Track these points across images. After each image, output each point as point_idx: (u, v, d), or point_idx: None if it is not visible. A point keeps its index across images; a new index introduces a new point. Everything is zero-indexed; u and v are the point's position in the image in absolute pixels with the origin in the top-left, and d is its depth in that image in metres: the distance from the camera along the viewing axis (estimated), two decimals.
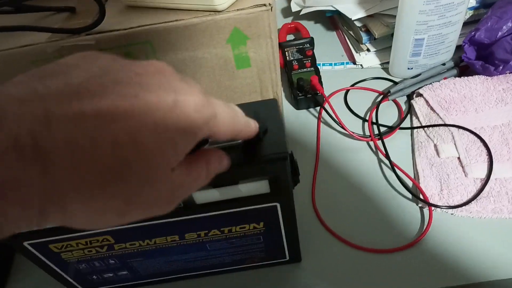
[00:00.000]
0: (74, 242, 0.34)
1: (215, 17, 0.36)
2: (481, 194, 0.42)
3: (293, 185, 0.33)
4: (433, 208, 0.43)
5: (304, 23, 0.69)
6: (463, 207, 0.42)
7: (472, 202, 0.42)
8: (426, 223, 0.43)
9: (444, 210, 0.43)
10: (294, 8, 0.67)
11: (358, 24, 0.60)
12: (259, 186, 0.31)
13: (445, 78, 0.54)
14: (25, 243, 0.34)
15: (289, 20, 0.72)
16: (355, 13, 0.59)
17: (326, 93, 0.56)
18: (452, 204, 0.42)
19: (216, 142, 0.29)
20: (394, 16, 0.53)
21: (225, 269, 0.41)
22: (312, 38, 0.61)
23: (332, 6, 0.61)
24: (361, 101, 0.56)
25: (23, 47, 0.37)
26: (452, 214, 0.43)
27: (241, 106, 0.32)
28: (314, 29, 0.69)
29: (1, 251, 0.47)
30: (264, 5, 0.36)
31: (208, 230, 0.35)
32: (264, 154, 0.29)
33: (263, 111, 0.31)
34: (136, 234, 0.35)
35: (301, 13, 0.66)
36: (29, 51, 0.37)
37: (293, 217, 0.35)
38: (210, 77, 0.41)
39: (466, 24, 0.58)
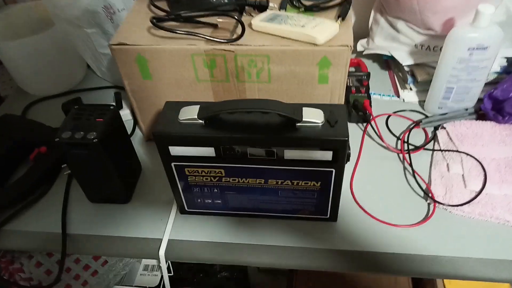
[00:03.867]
0: (200, 169, 0.55)
1: (314, 48, 0.56)
2: (473, 200, 0.59)
3: (345, 160, 0.52)
4: (437, 204, 0.60)
5: (365, 60, 0.88)
6: (459, 207, 0.59)
7: (466, 205, 0.59)
8: (430, 213, 0.60)
9: (444, 207, 0.60)
10: (359, 48, 0.86)
11: (406, 68, 0.79)
12: (326, 155, 0.50)
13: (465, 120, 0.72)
14: (172, 164, 0.54)
15: (353, 56, 0.91)
16: (406, 60, 0.78)
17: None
18: (452, 204, 0.60)
19: None
20: (434, 67, 0.71)
21: (284, 215, 0.60)
22: (369, 73, 0.80)
23: (389, 52, 0.81)
24: (398, 125, 0.75)
25: (189, 45, 0.59)
26: (450, 212, 0.60)
27: (323, 105, 0.51)
28: (372, 66, 0.88)
29: (131, 174, 0.68)
30: (347, 45, 0.56)
31: (284, 180, 0.54)
32: (333, 135, 0.48)
33: (335, 110, 0.51)
34: (239, 172, 0.54)
35: (364, 53, 0.86)
36: (191, 49, 0.59)
37: (340, 184, 0.54)
38: (299, 85, 0.61)
39: (489, 83, 0.75)
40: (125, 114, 0.80)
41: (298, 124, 0.49)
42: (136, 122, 0.79)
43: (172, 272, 0.68)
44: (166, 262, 0.61)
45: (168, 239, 0.60)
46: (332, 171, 0.52)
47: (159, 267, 0.89)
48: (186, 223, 0.62)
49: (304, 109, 0.50)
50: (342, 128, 0.49)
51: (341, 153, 0.50)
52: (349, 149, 0.52)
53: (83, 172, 0.61)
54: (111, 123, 0.59)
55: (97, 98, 0.87)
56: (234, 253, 0.59)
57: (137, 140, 0.76)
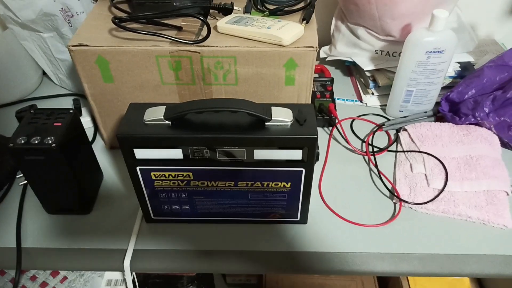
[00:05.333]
0: (167, 173, 0.53)
1: (280, 49, 0.57)
2: (436, 198, 0.61)
3: (315, 160, 0.52)
4: (402, 203, 0.62)
5: (328, 66, 0.90)
6: (423, 205, 0.61)
7: (430, 203, 0.61)
8: (396, 212, 0.61)
9: (410, 205, 0.61)
10: (322, 54, 0.88)
11: (368, 74, 0.82)
12: (296, 153, 0.50)
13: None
14: (138, 168, 0.52)
15: (316, 62, 0.93)
16: (367, 65, 0.80)
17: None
18: (416, 202, 0.61)
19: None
20: (394, 72, 0.74)
21: (254, 219, 0.59)
22: (333, 78, 0.82)
23: (351, 58, 0.83)
24: (362, 129, 0.76)
25: (153, 46, 0.57)
26: (415, 210, 0.61)
27: (291, 105, 0.51)
28: (335, 73, 0.90)
29: (92, 182, 0.64)
30: (313, 47, 0.56)
31: (253, 182, 0.53)
32: (303, 133, 0.48)
33: (303, 109, 0.51)
34: (208, 175, 0.53)
35: (327, 59, 0.87)
36: (155, 50, 0.57)
37: (310, 184, 0.54)
38: (266, 87, 0.61)
39: (445, 87, 0.79)
40: (86, 121, 0.76)
41: (268, 123, 0.49)
42: (97, 129, 0.76)
43: (137, 287, 0.64)
44: (131, 274, 0.58)
45: (134, 249, 0.58)
46: (302, 170, 0.52)
47: (123, 282, 0.85)
48: (153, 232, 0.60)
49: (273, 108, 0.50)
50: (311, 126, 0.49)
51: (311, 151, 0.50)
52: (318, 148, 0.52)
53: (40, 181, 0.57)
54: (71, 127, 0.56)
55: (55, 106, 0.83)
56: (203, 261, 0.57)
57: (98, 148, 0.73)
